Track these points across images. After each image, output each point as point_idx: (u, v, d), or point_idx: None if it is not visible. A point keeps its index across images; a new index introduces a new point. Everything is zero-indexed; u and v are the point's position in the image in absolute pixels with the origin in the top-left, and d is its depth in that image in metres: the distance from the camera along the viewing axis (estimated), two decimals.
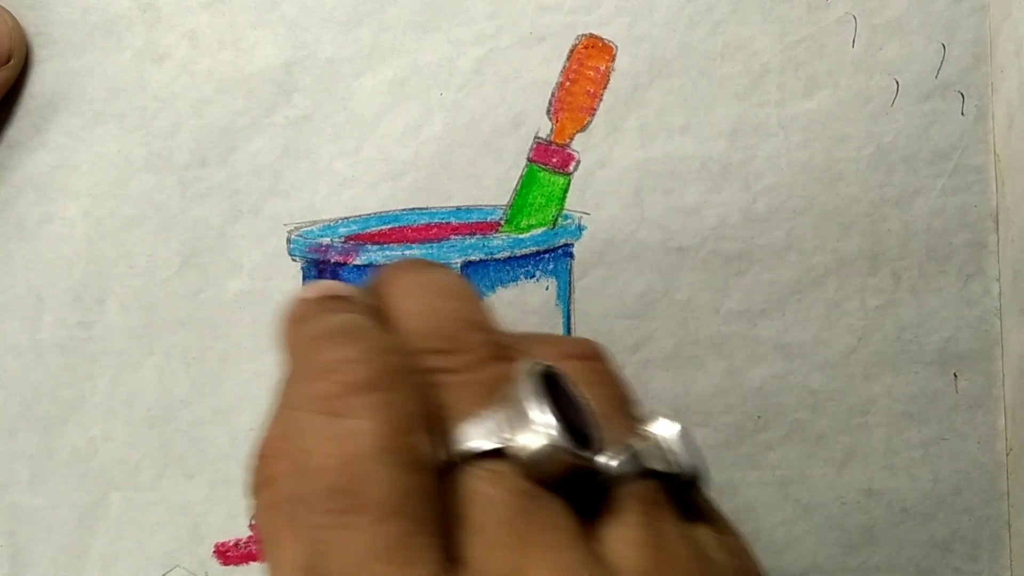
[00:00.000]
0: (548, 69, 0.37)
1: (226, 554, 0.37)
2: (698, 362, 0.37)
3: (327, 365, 0.22)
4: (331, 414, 0.22)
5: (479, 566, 0.21)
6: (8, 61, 0.35)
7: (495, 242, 0.37)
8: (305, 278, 0.37)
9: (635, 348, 0.37)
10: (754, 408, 0.37)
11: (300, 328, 0.25)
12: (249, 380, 0.37)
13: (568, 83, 0.37)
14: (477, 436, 0.22)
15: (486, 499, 0.22)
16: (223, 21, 0.36)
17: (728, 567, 0.24)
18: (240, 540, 0.37)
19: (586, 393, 0.24)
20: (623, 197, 0.37)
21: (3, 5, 0.35)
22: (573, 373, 0.24)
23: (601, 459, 0.23)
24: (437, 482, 0.22)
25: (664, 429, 0.25)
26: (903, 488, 0.38)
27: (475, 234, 0.37)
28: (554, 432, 0.22)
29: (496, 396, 0.23)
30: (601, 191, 0.37)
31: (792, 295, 0.37)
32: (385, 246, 0.36)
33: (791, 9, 0.37)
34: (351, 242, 0.37)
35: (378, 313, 0.26)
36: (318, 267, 0.37)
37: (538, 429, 0.22)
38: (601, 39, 0.37)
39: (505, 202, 0.37)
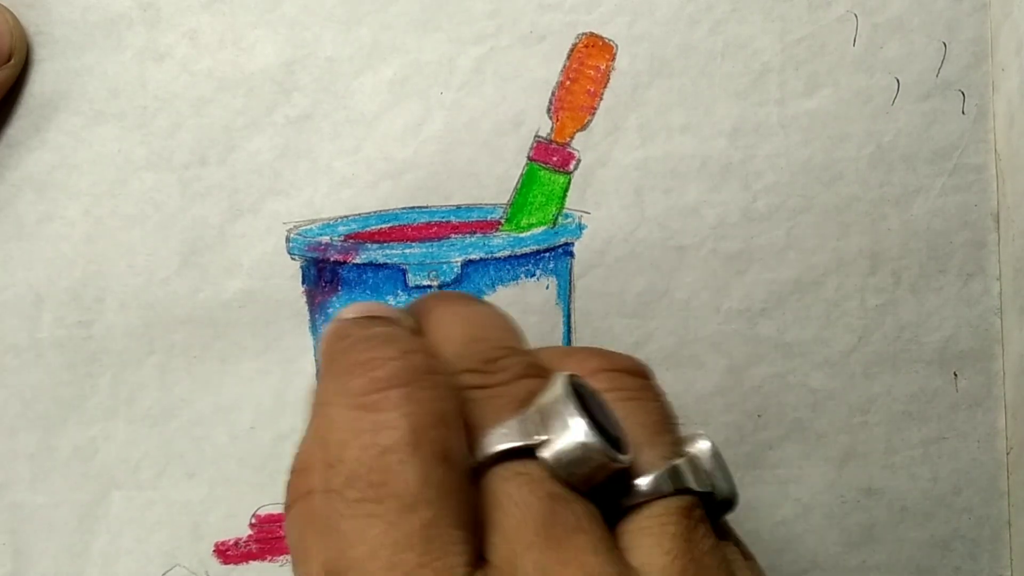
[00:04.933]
0: (548, 68, 0.37)
1: (226, 553, 0.37)
2: (698, 361, 0.37)
3: (360, 363, 0.23)
4: (361, 408, 0.22)
5: (507, 567, 0.22)
6: (8, 60, 0.35)
7: (495, 241, 0.37)
8: (304, 277, 0.37)
9: (635, 347, 0.37)
10: (754, 407, 0.37)
11: (340, 342, 0.26)
12: (249, 379, 0.37)
13: (568, 82, 0.37)
14: (507, 437, 0.23)
15: (514, 500, 0.22)
16: (223, 20, 0.36)
17: None
18: (240, 539, 0.37)
19: (629, 407, 0.25)
20: (623, 196, 0.37)
21: (3, 4, 0.35)
22: (617, 385, 0.25)
23: (628, 461, 0.23)
24: (468, 479, 0.22)
25: (700, 449, 0.26)
26: (903, 487, 0.38)
27: (475, 233, 0.37)
28: (585, 431, 0.22)
29: (527, 405, 0.24)
30: (601, 190, 0.37)
31: (792, 294, 0.37)
32: (385, 245, 0.36)
33: (791, 8, 0.37)
34: (350, 241, 0.37)
35: (417, 334, 0.27)
36: (317, 266, 0.37)
37: (569, 428, 0.23)
38: (601, 38, 0.37)
39: (505, 201, 0.37)
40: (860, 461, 0.37)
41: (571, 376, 0.24)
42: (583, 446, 0.22)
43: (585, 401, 0.23)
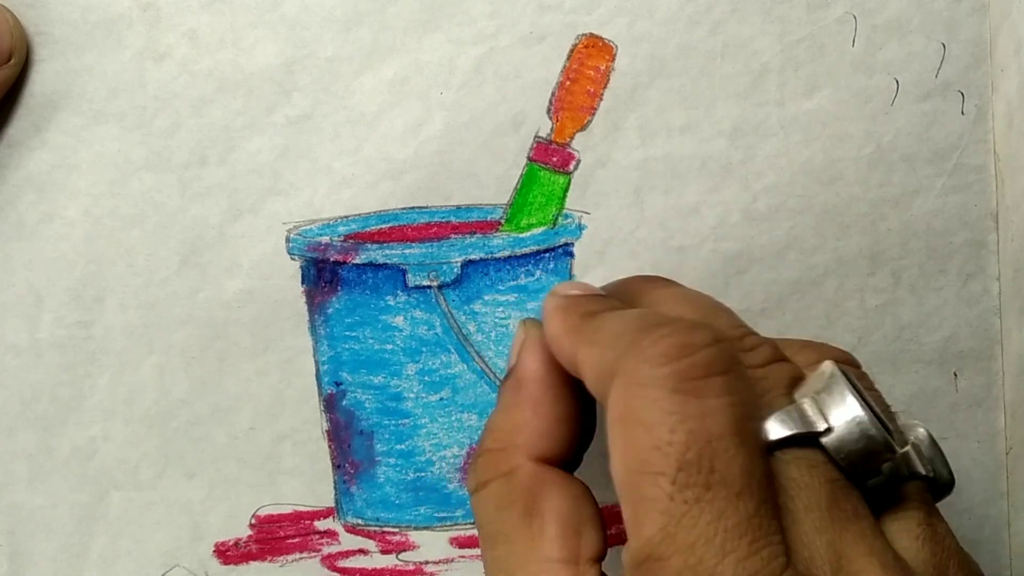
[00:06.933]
0: (548, 68, 0.37)
1: (226, 553, 0.37)
2: None
3: (677, 347, 0.23)
4: (687, 393, 0.23)
5: (806, 550, 0.22)
6: (8, 60, 0.35)
7: (495, 241, 0.37)
8: (304, 277, 0.37)
9: None
10: None
11: (600, 319, 0.26)
12: (248, 379, 0.37)
13: (568, 82, 0.37)
14: (791, 424, 0.24)
15: (799, 484, 0.23)
16: (223, 20, 0.36)
17: (977, 568, 0.26)
18: (240, 539, 0.37)
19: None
20: (623, 196, 0.37)
21: (4, 4, 0.35)
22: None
23: (903, 451, 0.25)
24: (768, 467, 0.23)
25: (919, 436, 0.27)
26: None
27: (475, 233, 0.37)
28: (868, 420, 0.23)
29: (794, 390, 0.25)
30: (601, 190, 0.37)
31: (792, 294, 0.37)
32: (384, 245, 0.36)
33: (791, 9, 0.37)
34: (350, 241, 0.37)
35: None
36: (317, 266, 0.37)
37: (852, 417, 0.23)
38: (601, 39, 0.37)
39: (505, 201, 0.37)
40: None
41: (839, 364, 0.25)
42: (867, 437, 0.23)
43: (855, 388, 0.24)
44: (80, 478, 0.37)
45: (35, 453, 0.37)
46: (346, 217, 0.37)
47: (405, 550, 0.38)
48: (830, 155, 0.37)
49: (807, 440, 0.23)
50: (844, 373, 0.24)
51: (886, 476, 0.24)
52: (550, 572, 0.24)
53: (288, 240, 0.37)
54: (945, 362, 0.37)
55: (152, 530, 0.37)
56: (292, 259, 0.37)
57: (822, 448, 0.23)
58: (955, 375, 0.38)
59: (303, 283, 0.37)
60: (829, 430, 0.23)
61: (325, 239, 0.37)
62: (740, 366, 0.24)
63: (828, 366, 0.25)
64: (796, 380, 0.25)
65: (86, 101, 0.36)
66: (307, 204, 0.37)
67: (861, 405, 0.23)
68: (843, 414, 0.23)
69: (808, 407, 0.24)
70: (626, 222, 0.37)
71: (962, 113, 0.37)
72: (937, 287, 0.37)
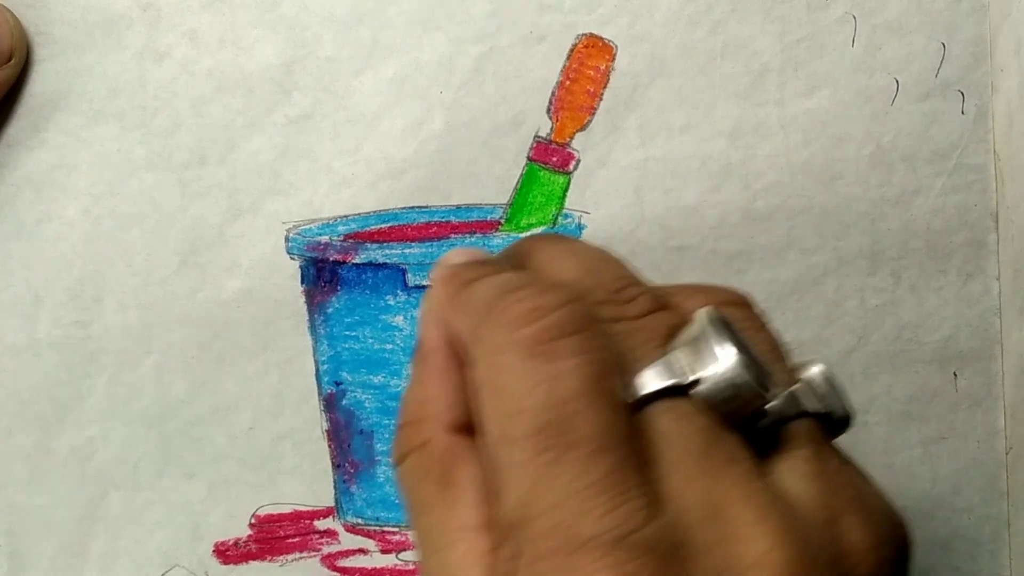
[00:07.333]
0: (548, 68, 0.37)
1: (225, 553, 0.37)
2: None
3: (527, 311, 0.23)
4: (538, 357, 0.23)
5: (678, 500, 0.22)
6: (9, 60, 0.35)
7: (495, 241, 0.37)
8: (304, 277, 0.37)
9: None
10: None
11: (472, 288, 0.26)
12: (248, 379, 0.37)
13: (568, 82, 0.37)
14: (661, 376, 0.23)
15: (674, 436, 0.23)
16: (223, 20, 0.36)
17: (880, 499, 0.26)
18: (240, 539, 0.37)
19: (745, 337, 0.25)
20: (623, 196, 0.37)
21: (4, 4, 0.35)
22: (732, 318, 0.25)
23: (774, 396, 0.24)
24: (631, 421, 0.23)
25: (814, 373, 0.26)
26: (903, 487, 0.38)
27: (475, 233, 0.37)
28: (737, 369, 0.23)
29: (670, 340, 0.24)
30: (601, 190, 0.37)
31: (792, 294, 0.37)
32: (384, 244, 0.36)
33: (791, 9, 0.37)
34: (350, 240, 0.37)
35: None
36: (317, 266, 0.37)
37: (721, 366, 0.23)
38: (601, 38, 0.37)
39: (505, 201, 0.37)
40: (860, 461, 0.37)
41: (713, 310, 0.24)
42: (735, 385, 0.23)
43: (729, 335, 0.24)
44: (79, 478, 0.37)
45: (34, 453, 0.37)
46: (346, 217, 0.37)
47: (405, 549, 0.38)
48: (830, 155, 0.37)
49: (679, 390, 0.23)
50: (719, 318, 0.24)
51: (773, 417, 0.24)
52: (466, 540, 0.24)
53: (288, 240, 0.37)
54: (945, 362, 0.37)
55: (152, 530, 0.37)
56: (292, 259, 0.37)
57: (694, 398, 0.23)
58: (955, 375, 0.38)
59: (303, 283, 0.37)
60: (700, 380, 0.23)
61: (325, 239, 0.37)
62: (598, 323, 0.24)
63: (702, 313, 0.24)
64: (676, 329, 0.25)
65: (86, 101, 0.36)
66: (307, 204, 0.37)
67: (731, 352, 0.23)
68: (713, 364, 0.23)
69: (680, 357, 0.24)
70: (626, 222, 0.37)
71: (962, 113, 0.37)
72: (937, 287, 0.37)
